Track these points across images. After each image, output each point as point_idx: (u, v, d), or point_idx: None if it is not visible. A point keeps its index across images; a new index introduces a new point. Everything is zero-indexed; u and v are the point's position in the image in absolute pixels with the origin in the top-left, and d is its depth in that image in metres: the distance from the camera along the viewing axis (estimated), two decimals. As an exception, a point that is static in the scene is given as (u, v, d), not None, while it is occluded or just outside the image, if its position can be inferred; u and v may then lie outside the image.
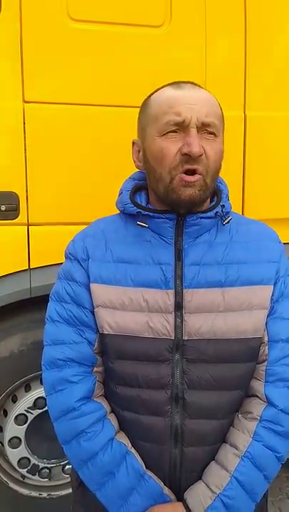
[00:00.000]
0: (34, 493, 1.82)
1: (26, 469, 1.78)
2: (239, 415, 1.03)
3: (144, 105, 1.04)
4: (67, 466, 1.82)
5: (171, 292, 0.98)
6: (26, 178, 1.57)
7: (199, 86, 1.01)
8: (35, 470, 1.79)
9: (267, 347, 1.02)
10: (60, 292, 1.05)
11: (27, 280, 1.62)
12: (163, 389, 0.98)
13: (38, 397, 1.73)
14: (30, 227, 1.59)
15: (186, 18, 1.64)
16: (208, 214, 1.01)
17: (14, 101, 1.54)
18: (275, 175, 1.81)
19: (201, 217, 1.00)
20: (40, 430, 1.76)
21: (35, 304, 1.64)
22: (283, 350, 1.02)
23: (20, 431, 1.74)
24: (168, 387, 0.98)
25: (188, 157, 0.93)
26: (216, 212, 1.02)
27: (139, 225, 1.01)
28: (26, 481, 1.82)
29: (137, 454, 1.01)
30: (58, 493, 1.84)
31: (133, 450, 1.01)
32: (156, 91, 1.03)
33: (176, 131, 0.95)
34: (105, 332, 1.00)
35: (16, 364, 1.69)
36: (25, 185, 1.57)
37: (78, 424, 0.99)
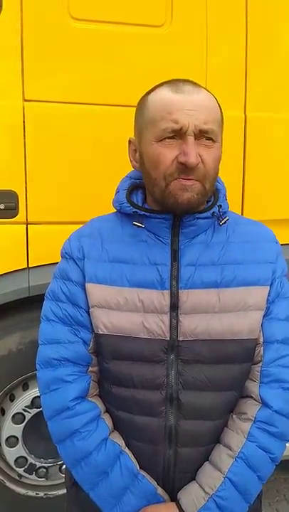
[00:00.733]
0: (31, 493, 1.82)
1: (23, 468, 1.78)
2: (233, 416, 1.03)
3: (141, 105, 1.01)
4: (64, 466, 1.82)
5: (167, 293, 0.98)
6: (26, 176, 1.57)
7: (198, 86, 0.99)
8: (32, 469, 1.79)
9: (262, 348, 1.01)
10: (55, 291, 1.05)
11: (25, 279, 1.62)
12: (158, 389, 0.98)
13: (36, 396, 1.73)
14: (29, 225, 1.59)
15: (187, 18, 1.63)
16: (205, 214, 1.00)
17: (14, 99, 1.54)
18: (275, 176, 1.81)
19: (198, 218, 1.00)
20: (38, 429, 1.76)
21: (33, 302, 1.64)
22: (278, 351, 1.01)
23: (17, 430, 1.74)
24: (163, 387, 0.98)
25: (184, 166, 0.92)
26: (213, 212, 1.01)
27: (135, 225, 1.01)
28: (23, 480, 1.82)
29: (131, 454, 1.01)
30: (54, 492, 1.84)
31: (127, 450, 1.01)
32: (153, 89, 1.01)
33: (173, 138, 0.94)
34: (100, 332, 1.00)
35: (14, 363, 1.69)
36: (25, 183, 1.57)
37: (72, 423, 0.99)
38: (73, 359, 1.01)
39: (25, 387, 1.76)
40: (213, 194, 1.06)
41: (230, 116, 1.72)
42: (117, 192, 1.07)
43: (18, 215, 1.58)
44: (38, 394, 1.70)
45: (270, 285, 1.02)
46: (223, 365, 0.99)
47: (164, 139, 0.94)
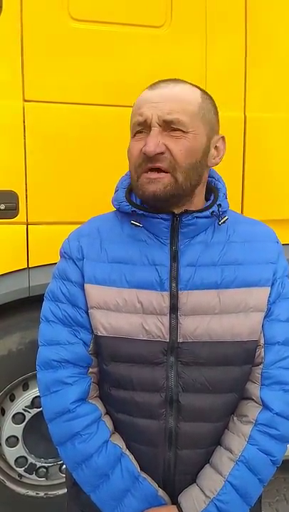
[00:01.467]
0: (31, 493, 1.82)
1: (23, 468, 1.78)
2: (234, 418, 1.02)
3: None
4: (64, 466, 1.82)
5: (166, 294, 0.97)
6: (26, 177, 1.57)
7: (179, 82, 0.99)
8: (32, 469, 1.79)
9: (263, 349, 1.00)
10: (55, 292, 1.04)
11: (26, 279, 1.62)
12: (157, 392, 0.98)
13: (36, 396, 1.73)
14: (29, 226, 1.60)
15: (187, 19, 1.64)
16: (204, 213, 0.99)
17: (14, 100, 1.54)
18: (274, 176, 1.81)
19: (197, 217, 0.99)
20: (38, 429, 1.76)
21: (33, 302, 1.64)
22: (279, 352, 1.00)
23: (17, 430, 1.74)
24: (162, 390, 0.97)
25: (147, 156, 0.93)
26: (212, 211, 1.00)
27: (133, 224, 1.00)
28: (23, 480, 1.82)
29: (131, 456, 1.00)
30: (54, 492, 1.84)
31: (128, 452, 1.01)
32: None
33: (142, 132, 0.96)
34: (99, 334, 0.99)
35: (14, 363, 1.69)
36: (25, 184, 1.57)
37: (73, 426, 0.98)
38: (73, 360, 1.00)
39: (26, 387, 1.76)
40: (213, 193, 1.05)
41: (230, 117, 1.75)
42: (116, 190, 1.07)
43: (18, 216, 1.58)
44: (38, 394, 1.71)
45: (271, 286, 1.00)
46: (223, 367, 0.98)
47: (136, 133, 0.97)
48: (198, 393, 0.98)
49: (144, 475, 1.00)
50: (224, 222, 1.01)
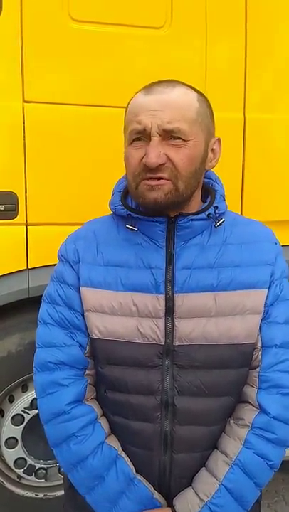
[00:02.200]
0: (30, 494, 1.82)
1: (22, 470, 1.78)
2: (231, 421, 1.02)
3: (125, 110, 1.02)
4: (63, 467, 1.82)
5: (162, 297, 0.97)
6: (25, 178, 1.57)
7: (175, 84, 0.97)
8: (31, 470, 1.79)
9: (260, 352, 1.00)
10: (52, 294, 1.04)
11: (25, 280, 1.62)
12: (152, 395, 0.97)
13: (35, 398, 1.73)
14: (28, 227, 1.59)
15: (187, 20, 1.63)
16: (200, 216, 0.99)
17: (14, 101, 1.54)
18: (274, 177, 1.81)
19: (193, 220, 0.98)
20: (37, 431, 1.75)
21: (33, 303, 1.64)
22: (277, 355, 0.99)
23: (16, 431, 1.74)
24: (158, 393, 0.97)
25: (148, 167, 0.92)
26: (209, 213, 0.99)
27: (129, 228, 1.00)
28: (22, 481, 1.82)
29: (127, 458, 1.00)
30: (54, 493, 1.84)
31: (123, 454, 1.00)
32: (134, 94, 1.01)
33: (141, 139, 0.94)
34: (94, 337, 0.99)
35: (13, 364, 1.69)
36: (25, 185, 1.57)
37: (69, 427, 0.98)
38: (69, 362, 1.01)
39: (25, 388, 1.76)
40: (210, 194, 1.04)
41: (230, 118, 1.75)
42: (113, 194, 1.07)
43: (17, 217, 1.58)
44: (38, 395, 1.72)
45: (269, 288, 0.99)
46: (219, 370, 0.98)
47: (133, 141, 0.95)
48: (194, 397, 0.97)
49: (139, 477, 0.99)
50: (221, 224, 1.01)
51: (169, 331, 0.97)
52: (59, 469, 1.84)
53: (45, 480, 1.82)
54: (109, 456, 0.99)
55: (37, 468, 1.79)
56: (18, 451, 1.76)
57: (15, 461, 1.77)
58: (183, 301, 0.97)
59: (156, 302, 0.97)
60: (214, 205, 1.01)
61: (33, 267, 1.61)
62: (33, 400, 1.73)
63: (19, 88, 1.54)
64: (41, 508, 1.83)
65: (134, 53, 1.61)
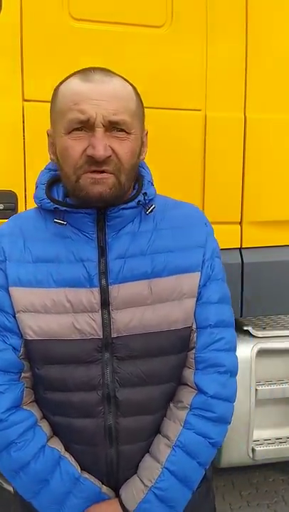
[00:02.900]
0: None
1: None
2: (171, 405, 1.02)
3: (54, 95, 0.97)
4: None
5: (96, 290, 0.95)
6: (25, 177, 1.56)
7: (111, 74, 0.95)
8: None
9: (195, 334, 0.99)
10: None
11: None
12: (94, 390, 0.96)
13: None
14: (28, 226, 1.59)
15: (187, 19, 1.63)
16: (130, 204, 0.97)
17: (14, 99, 1.53)
18: (274, 177, 1.80)
19: (123, 209, 0.96)
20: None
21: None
22: (212, 335, 0.99)
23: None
24: (99, 387, 0.96)
25: (93, 159, 0.89)
26: (139, 201, 0.97)
27: (57, 222, 0.97)
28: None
29: (71, 458, 0.99)
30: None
31: (67, 454, 0.99)
32: (64, 79, 0.96)
33: (82, 129, 0.91)
34: (29, 338, 0.96)
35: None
36: (24, 184, 1.57)
37: (8, 434, 0.95)
38: (3, 368, 0.96)
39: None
40: (137, 181, 1.01)
41: (230, 118, 1.75)
42: (36, 187, 1.02)
43: (17, 216, 1.57)
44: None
45: (201, 269, 0.99)
46: (160, 358, 0.97)
47: (72, 130, 0.91)
48: (136, 387, 0.97)
49: (85, 475, 0.99)
50: (152, 211, 0.99)
51: (106, 324, 0.95)
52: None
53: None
54: (52, 459, 0.97)
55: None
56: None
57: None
58: (118, 291, 0.95)
59: (90, 296, 0.95)
60: (143, 191, 0.99)
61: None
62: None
63: (19, 87, 1.53)
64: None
65: (135, 52, 1.60)
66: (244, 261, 1.77)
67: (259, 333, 1.84)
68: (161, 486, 0.95)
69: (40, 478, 0.96)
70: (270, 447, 1.84)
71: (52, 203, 0.97)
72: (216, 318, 1.00)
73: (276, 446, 1.85)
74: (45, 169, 1.04)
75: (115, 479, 1.00)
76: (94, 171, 0.91)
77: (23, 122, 1.54)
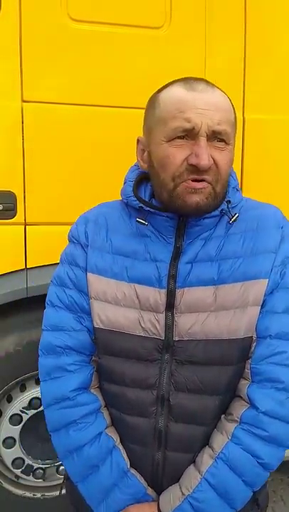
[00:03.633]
0: (28, 494, 1.82)
1: (20, 470, 1.77)
2: (222, 416, 0.98)
3: (152, 103, 0.97)
4: (61, 467, 1.82)
5: (164, 291, 0.95)
6: (24, 177, 1.57)
7: (212, 85, 0.94)
8: (29, 470, 1.78)
9: (254, 344, 0.95)
10: (61, 276, 1.02)
11: (23, 280, 1.61)
12: (149, 389, 0.96)
13: (33, 398, 1.73)
14: (27, 226, 1.59)
15: (186, 20, 1.64)
16: (213, 213, 0.96)
17: (13, 100, 1.54)
18: (273, 178, 1.81)
19: (204, 218, 0.96)
20: (35, 431, 1.76)
21: (31, 303, 1.64)
22: (271, 347, 0.93)
23: (14, 431, 1.74)
24: (154, 387, 0.96)
25: (195, 168, 0.89)
26: (222, 209, 0.97)
27: (139, 222, 0.98)
28: (20, 481, 1.81)
29: (123, 451, 0.99)
30: (52, 493, 1.83)
31: (120, 446, 0.99)
32: (165, 87, 0.96)
33: (184, 138, 0.90)
34: (96, 325, 0.98)
35: (11, 364, 1.68)
36: (23, 184, 1.57)
37: (71, 413, 0.97)
38: (77, 348, 0.99)
39: (23, 388, 1.76)
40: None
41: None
42: (125, 182, 1.04)
43: (16, 216, 1.58)
44: (36, 395, 1.71)
45: (269, 276, 0.94)
46: (219, 367, 0.94)
47: (175, 138, 0.90)
48: (190, 393, 0.95)
49: (133, 471, 0.98)
50: (235, 220, 0.97)
51: (169, 326, 0.95)
52: (57, 469, 1.83)
53: (43, 480, 1.81)
54: (106, 446, 0.97)
55: (35, 468, 1.79)
56: (16, 451, 1.75)
57: (13, 461, 1.76)
58: (183, 295, 0.95)
59: (157, 296, 0.95)
60: (226, 199, 0.97)
61: (32, 267, 1.61)
62: (31, 399, 1.73)
63: (18, 88, 1.53)
64: (39, 508, 1.82)
65: (133, 53, 1.61)
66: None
67: None
68: (198, 497, 0.91)
69: (92, 463, 0.96)
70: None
71: (138, 202, 0.99)
72: (279, 329, 0.93)
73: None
74: (134, 166, 1.05)
75: (159, 485, 0.98)
76: (194, 180, 0.91)
77: (22, 123, 1.54)
